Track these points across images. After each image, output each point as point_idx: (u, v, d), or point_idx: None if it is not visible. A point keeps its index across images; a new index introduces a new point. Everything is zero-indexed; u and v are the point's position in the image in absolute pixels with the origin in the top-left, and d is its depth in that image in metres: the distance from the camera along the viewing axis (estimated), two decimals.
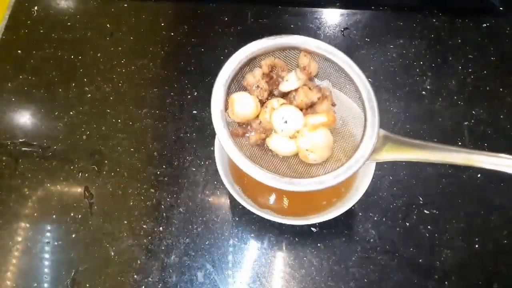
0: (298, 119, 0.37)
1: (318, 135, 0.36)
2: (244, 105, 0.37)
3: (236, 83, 0.38)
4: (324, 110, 0.38)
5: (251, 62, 0.38)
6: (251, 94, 0.38)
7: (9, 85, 0.60)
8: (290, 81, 0.38)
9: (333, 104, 0.39)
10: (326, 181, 0.35)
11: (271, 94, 0.39)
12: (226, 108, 0.37)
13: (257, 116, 0.38)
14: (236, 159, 0.35)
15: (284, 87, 0.38)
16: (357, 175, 0.47)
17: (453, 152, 0.35)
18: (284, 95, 0.39)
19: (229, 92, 0.37)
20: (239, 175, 0.48)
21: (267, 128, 0.38)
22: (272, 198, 0.48)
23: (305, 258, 0.49)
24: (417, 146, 0.36)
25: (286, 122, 0.36)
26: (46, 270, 0.49)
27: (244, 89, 0.39)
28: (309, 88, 0.38)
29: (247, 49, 0.38)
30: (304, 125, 0.37)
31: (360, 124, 0.37)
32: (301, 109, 0.37)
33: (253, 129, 0.38)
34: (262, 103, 0.38)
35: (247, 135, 0.38)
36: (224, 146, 0.36)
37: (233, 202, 0.52)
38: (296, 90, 0.38)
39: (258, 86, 0.38)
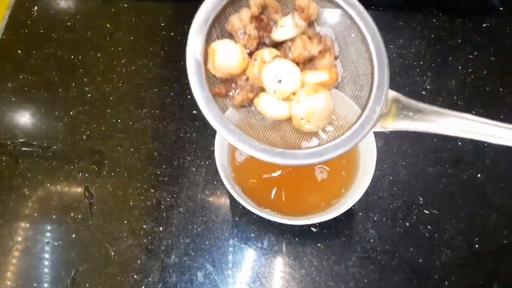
0: (294, 77, 0.30)
1: (317, 101, 0.29)
2: (228, 56, 0.29)
3: (218, 28, 0.31)
4: (325, 66, 0.31)
5: (237, 0, 0.31)
6: (236, 42, 0.31)
7: (9, 85, 0.60)
8: (286, 28, 0.31)
9: (336, 57, 0.32)
10: (326, 152, 0.29)
11: (261, 43, 0.31)
12: (205, 60, 0.30)
13: (244, 71, 0.31)
14: (217, 127, 0.29)
15: (277, 35, 0.31)
16: (357, 174, 0.47)
17: (475, 123, 0.30)
18: (277, 44, 0.32)
19: (209, 39, 0.30)
20: (239, 175, 0.48)
21: (256, 85, 0.31)
22: (272, 194, 0.48)
23: (305, 258, 0.49)
24: (434, 113, 0.31)
25: (280, 81, 0.29)
26: (46, 270, 0.49)
27: (228, 35, 0.31)
28: (309, 38, 0.31)
29: None
30: (301, 85, 0.30)
31: (366, 84, 0.31)
32: (297, 64, 0.31)
33: (238, 86, 0.31)
34: (250, 54, 0.31)
35: (230, 94, 0.31)
36: (202, 109, 0.29)
37: (233, 202, 0.52)
38: (292, 39, 0.31)
39: (245, 33, 0.30)
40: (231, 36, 0.31)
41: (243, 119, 0.31)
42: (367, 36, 0.31)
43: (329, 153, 0.29)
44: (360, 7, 0.31)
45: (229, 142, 0.29)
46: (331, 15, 0.32)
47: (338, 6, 0.31)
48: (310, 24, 0.32)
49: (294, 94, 0.30)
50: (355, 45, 0.32)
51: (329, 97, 0.30)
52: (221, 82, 0.31)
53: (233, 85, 0.31)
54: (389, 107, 0.31)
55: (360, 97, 0.31)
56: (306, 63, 0.31)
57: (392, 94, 0.31)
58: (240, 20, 0.30)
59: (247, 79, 0.31)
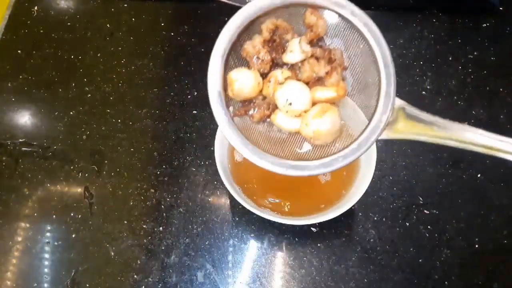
0: (304, 99, 0.32)
1: (322, 123, 0.32)
2: (244, 84, 0.33)
3: (235, 55, 0.34)
4: (333, 84, 0.33)
5: (250, 28, 0.33)
6: (251, 68, 0.33)
7: (9, 85, 0.60)
8: (294, 52, 0.33)
9: (345, 68, 0.34)
10: (335, 163, 0.31)
11: (275, 63, 0.34)
12: (225, 87, 0.33)
13: (260, 92, 0.34)
14: (237, 146, 0.32)
15: (287, 58, 0.34)
16: (357, 174, 0.47)
17: (478, 136, 0.31)
18: (289, 64, 0.35)
19: (227, 66, 0.33)
20: (239, 175, 0.48)
21: (272, 103, 0.34)
22: (271, 199, 0.48)
23: (305, 258, 0.49)
24: (435, 124, 0.32)
25: (290, 104, 0.32)
26: (46, 270, 0.49)
27: (244, 61, 0.34)
28: (316, 59, 0.33)
29: (242, 13, 0.33)
30: (311, 103, 0.33)
31: (374, 93, 0.33)
32: (307, 83, 0.33)
33: (255, 105, 0.34)
34: (265, 74, 0.34)
35: (250, 112, 0.34)
36: (224, 132, 0.32)
37: (233, 202, 0.52)
38: (301, 62, 0.33)
39: (258, 58, 0.33)
40: (247, 61, 0.34)
41: (262, 132, 0.34)
42: (373, 47, 0.33)
43: (338, 163, 0.31)
44: (367, 20, 0.33)
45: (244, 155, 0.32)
46: (339, 28, 0.34)
47: (345, 19, 0.33)
48: (320, 40, 0.34)
49: (305, 111, 0.33)
50: (363, 56, 0.34)
51: (335, 116, 0.32)
52: (241, 103, 0.34)
53: (251, 104, 0.34)
54: (395, 115, 0.32)
55: (368, 107, 0.33)
56: (315, 82, 0.34)
57: (399, 103, 0.32)
58: (253, 47, 0.33)
59: (264, 98, 0.34)
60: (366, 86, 0.34)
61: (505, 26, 0.62)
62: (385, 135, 0.32)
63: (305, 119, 0.32)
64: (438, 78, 0.59)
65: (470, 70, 0.59)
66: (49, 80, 0.60)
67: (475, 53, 0.60)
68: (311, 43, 0.34)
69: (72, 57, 0.61)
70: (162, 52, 0.61)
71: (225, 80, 0.33)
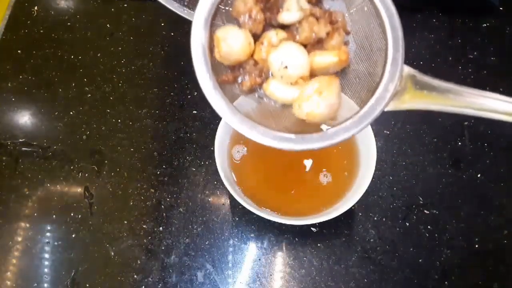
0: (301, 61, 0.29)
1: (318, 106, 0.28)
2: (232, 44, 0.29)
3: (224, 12, 0.30)
4: (334, 47, 0.30)
5: None
6: (241, 28, 0.30)
7: (9, 85, 0.60)
8: (291, 11, 0.30)
9: (347, 32, 0.31)
10: (335, 135, 0.28)
11: (268, 24, 0.30)
12: (211, 48, 0.29)
13: (251, 55, 0.30)
14: (225, 117, 0.28)
15: (283, 18, 0.30)
16: (357, 174, 0.47)
17: (496, 101, 0.29)
18: (285, 26, 0.31)
19: (214, 25, 0.30)
20: (239, 175, 0.48)
21: (265, 69, 0.30)
22: (271, 199, 0.48)
23: (305, 258, 0.49)
24: (450, 91, 0.29)
25: (286, 67, 0.29)
26: (46, 270, 0.49)
27: (234, 20, 0.30)
28: (316, 19, 0.30)
29: None
30: (309, 67, 0.29)
31: (380, 60, 0.30)
32: (305, 45, 0.30)
33: (246, 72, 0.30)
34: (258, 36, 0.30)
35: (239, 80, 0.30)
36: (209, 99, 0.29)
37: (233, 202, 0.52)
38: (299, 21, 0.30)
39: (250, 17, 0.29)
40: (237, 20, 0.30)
41: (253, 106, 0.31)
42: (380, 9, 0.29)
43: (339, 136, 0.28)
44: None
45: (234, 130, 0.29)
46: None
47: None
48: (319, 0, 0.31)
49: (302, 78, 0.29)
50: (368, 19, 0.30)
51: (332, 96, 0.29)
52: (230, 69, 0.30)
53: (241, 70, 0.30)
54: (404, 84, 0.29)
55: (374, 74, 0.30)
56: (314, 44, 0.30)
57: (407, 69, 0.29)
58: (244, 3, 0.29)
59: (255, 63, 0.30)
60: (371, 52, 0.31)
61: (505, 26, 0.62)
62: (393, 106, 0.29)
63: (298, 99, 0.29)
64: (438, 78, 0.58)
65: (470, 70, 0.59)
66: (49, 80, 0.60)
67: (475, 53, 0.60)
68: (310, 2, 0.30)
69: (72, 57, 0.61)
70: (162, 52, 0.61)
71: (211, 40, 0.29)
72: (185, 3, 0.36)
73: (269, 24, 0.30)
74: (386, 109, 0.29)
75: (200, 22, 0.29)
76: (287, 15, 0.30)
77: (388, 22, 0.29)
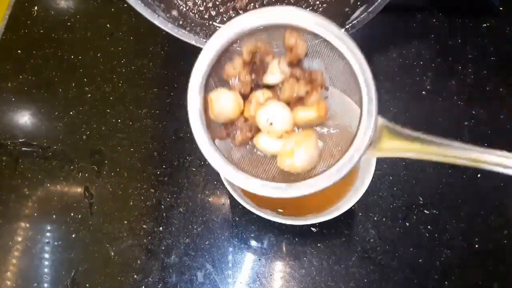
0: (284, 118, 0.33)
1: (298, 159, 0.32)
2: (224, 104, 0.33)
3: (216, 76, 0.34)
4: (313, 103, 0.33)
5: (230, 49, 0.34)
6: (231, 89, 0.33)
7: (9, 85, 0.60)
8: (274, 73, 0.33)
9: (326, 88, 0.34)
10: (317, 183, 0.32)
11: (256, 85, 0.34)
12: (206, 109, 0.33)
13: (241, 113, 0.34)
14: (219, 169, 0.32)
15: (267, 80, 0.34)
16: (357, 174, 0.47)
17: (460, 150, 0.31)
18: (270, 85, 0.35)
19: (207, 88, 0.33)
20: None
21: (254, 125, 0.34)
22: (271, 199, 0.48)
23: (305, 258, 0.49)
24: (419, 140, 0.32)
25: (271, 123, 0.32)
26: (46, 270, 0.49)
27: (226, 83, 0.34)
28: (296, 79, 0.33)
29: (222, 35, 0.33)
30: (292, 123, 0.33)
31: (356, 112, 0.33)
32: (288, 103, 0.34)
33: (237, 128, 0.34)
34: (247, 96, 0.34)
35: (232, 135, 0.34)
36: (206, 155, 0.33)
37: (233, 202, 0.52)
38: (282, 82, 0.34)
39: (239, 79, 0.33)
40: (227, 83, 0.34)
41: (245, 156, 0.34)
42: (354, 66, 0.32)
43: (322, 183, 0.32)
44: (347, 39, 0.32)
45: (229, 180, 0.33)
46: (319, 48, 0.34)
47: (324, 39, 0.33)
48: (299, 62, 0.34)
49: (287, 132, 0.33)
50: (344, 75, 0.33)
51: (310, 148, 0.32)
52: (223, 125, 0.34)
53: (233, 126, 0.34)
54: (379, 134, 0.32)
55: (351, 126, 0.33)
56: (296, 101, 0.34)
57: (381, 121, 0.32)
58: (234, 68, 0.33)
59: (246, 120, 0.34)
60: (349, 105, 0.34)
61: (505, 26, 0.62)
62: (370, 154, 0.32)
63: (280, 154, 0.33)
64: (438, 78, 0.59)
65: (470, 70, 0.59)
66: (49, 80, 0.60)
67: (475, 53, 0.60)
68: (291, 64, 0.34)
69: (72, 57, 0.61)
70: (162, 52, 0.61)
71: (206, 101, 0.33)
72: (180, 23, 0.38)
73: (256, 85, 0.34)
74: (364, 158, 0.31)
75: (195, 89, 0.33)
76: (271, 77, 0.33)
77: (362, 78, 0.32)
